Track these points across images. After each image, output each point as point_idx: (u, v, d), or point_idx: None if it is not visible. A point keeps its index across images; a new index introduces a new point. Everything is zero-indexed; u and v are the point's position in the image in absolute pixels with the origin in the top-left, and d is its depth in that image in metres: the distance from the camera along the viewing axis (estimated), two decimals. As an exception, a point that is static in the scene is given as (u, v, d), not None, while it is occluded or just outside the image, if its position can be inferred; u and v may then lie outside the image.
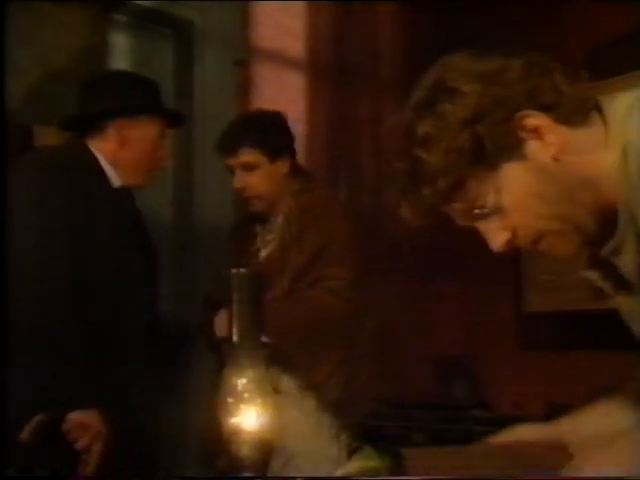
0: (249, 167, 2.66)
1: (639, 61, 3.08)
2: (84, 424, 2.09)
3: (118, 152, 2.40)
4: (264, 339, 2.49)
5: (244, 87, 3.48)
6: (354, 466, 1.16)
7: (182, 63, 3.39)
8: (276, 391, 2.39)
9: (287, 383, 2.52)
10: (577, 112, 1.26)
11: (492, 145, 1.22)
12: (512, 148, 1.23)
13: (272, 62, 3.59)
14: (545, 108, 1.24)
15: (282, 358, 2.42)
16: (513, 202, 1.25)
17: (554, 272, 3.57)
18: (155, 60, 3.33)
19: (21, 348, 2.08)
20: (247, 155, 2.65)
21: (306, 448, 2.46)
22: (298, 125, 3.54)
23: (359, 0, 3.85)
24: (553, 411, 3.00)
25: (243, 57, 3.47)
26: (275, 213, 2.71)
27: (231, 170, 2.69)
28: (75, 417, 2.08)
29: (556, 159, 1.23)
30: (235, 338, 1.38)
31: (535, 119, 1.23)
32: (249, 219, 2.80)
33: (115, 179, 2.41)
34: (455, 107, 1.23)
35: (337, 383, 2.58)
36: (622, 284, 1.31)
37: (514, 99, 1.23)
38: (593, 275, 1.35)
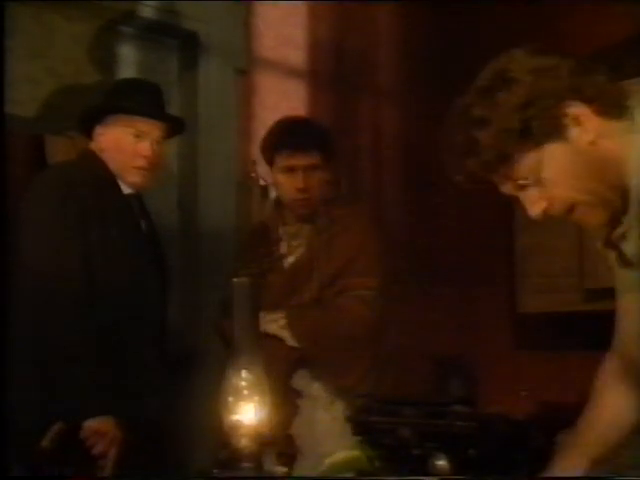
0: (313, 168, 2.65)
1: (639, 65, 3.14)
2: (101, 431, 2.17)
3: (102, 155, 2.43)
4: (293, 344, 2.54)
5: (246, 95, 3.55)
6: (339, 456, 1.27)
7: (186, 72, 3.46)
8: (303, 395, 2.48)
9: (317, 387, 2.57)
10: (614, 106, 1.47)
11: (539, 127, 1.43)
12: (555, 131, 1.45)
13: (273, 71, 3.66)
14: (586, 101, 1.45)
15: (313, 363, 2.53)
16: (552, 176, 1.46)
17: (547, 274, 3.66)
18: (160, 70, 3.40)
19: (36, 358, 2.18)
20: (315, 157, 2.64)
21: (335, 449, 2.50)
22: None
23: (359, 0, 3.91)
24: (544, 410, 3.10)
25: (245, 67, 3.54)
26: (302, 220, 2.70)
27: (290, 169, 2.64)
28: (92, 425, 2.16)
29: (592, 143, 1.44)
30: (235, 341, 1.50)
31: (577, 109, 1.45)
32: (265, 226, 2.80)
33: (123, 185, 2.44)
34: (510, 95, 1.44)
35: (365, 388, 2.55)
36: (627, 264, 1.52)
37: (561, 91, 1.45)
38: (609, 254, 1.55)
